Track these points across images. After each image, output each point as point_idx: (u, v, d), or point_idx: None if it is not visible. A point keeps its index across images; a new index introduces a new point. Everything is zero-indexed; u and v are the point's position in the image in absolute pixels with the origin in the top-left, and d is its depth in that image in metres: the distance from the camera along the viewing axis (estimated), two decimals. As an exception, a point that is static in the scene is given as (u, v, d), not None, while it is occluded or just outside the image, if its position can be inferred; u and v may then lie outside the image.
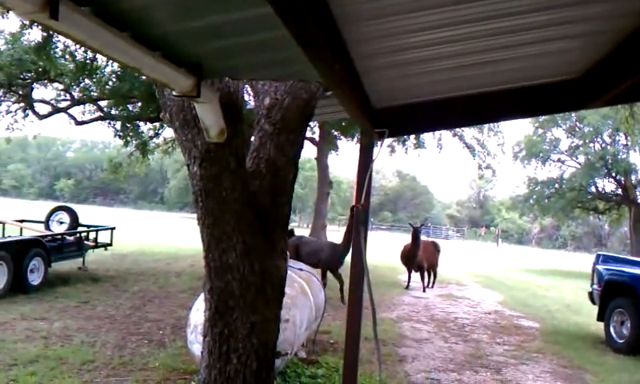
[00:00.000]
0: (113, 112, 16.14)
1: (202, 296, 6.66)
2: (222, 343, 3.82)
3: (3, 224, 14.38)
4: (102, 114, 16.65)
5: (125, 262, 16.81)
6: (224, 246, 3.72)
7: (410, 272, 15.84)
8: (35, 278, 11.18)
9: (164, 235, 31.27)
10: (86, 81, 13.81)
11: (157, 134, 18.05)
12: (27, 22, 11.97)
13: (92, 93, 14.60)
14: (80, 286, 12.06)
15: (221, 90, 3.52)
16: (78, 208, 15.72)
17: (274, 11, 1.94)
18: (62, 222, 14.15)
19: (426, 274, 15.88)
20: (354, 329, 4.42)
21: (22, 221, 14.95)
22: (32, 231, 13.88)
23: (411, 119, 4.84)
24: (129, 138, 15.86)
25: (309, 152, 27.77)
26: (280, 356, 5.76)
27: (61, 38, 12.16)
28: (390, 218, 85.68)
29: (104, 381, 6.24)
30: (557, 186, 33.34)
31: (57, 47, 12.30)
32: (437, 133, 18.29)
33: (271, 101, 4.09)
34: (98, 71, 13.10)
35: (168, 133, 18.11)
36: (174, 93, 3.13)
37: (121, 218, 30.49)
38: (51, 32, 11.69)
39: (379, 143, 4.63)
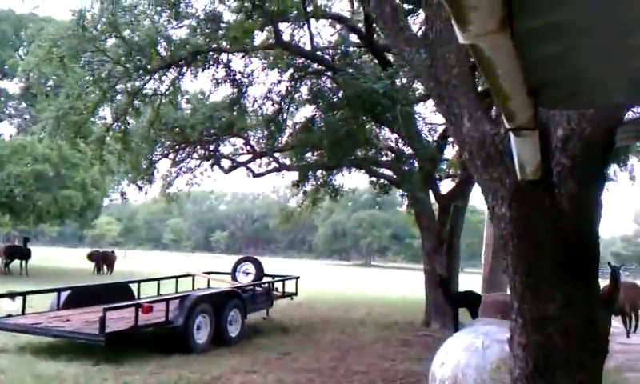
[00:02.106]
0: (288, 162, 16.61)
1: (442, 349, 6.32)
2: (544, 406, 3.38)
3: (193, 277, 14.94)
4: (277, 166, 17.12)
5: (302, 310, 16.87)
6: (541, 295, 3.32)
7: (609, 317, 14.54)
8: (233, 330, 11.34)
9: (323, 282, 31.33)
10: (267, 133, 14.24)
11: (326, 182, 18.13)
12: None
13: (276, 144, 14.99)
14: (274, 337, 12.11)
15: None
16: (233, 258, 16.03)
17: None
18: (248, 273, 14.41)
19: (627, 318, 14.56)
20: None
21: (209, 273, 15.46)
22: (222, 283, 14.27)
23: None
24: (305, 187, 16.20)
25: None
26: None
27: (250, 93, 12.69)
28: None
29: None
30: None
31: (246, 102, 12.80)
32: (629, 163, 16.91)
33: (565, 131, 3.66)
34: (284, 124, 13.50)
35: (339, 180, 18.23)
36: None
37: (275, 266, 31.04)
38: (242, 88, 12.19)
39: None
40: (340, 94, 12.38)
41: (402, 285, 33.83)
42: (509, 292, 11.72)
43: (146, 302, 10.01)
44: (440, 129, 15.17)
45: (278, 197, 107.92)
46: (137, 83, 11.18)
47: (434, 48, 3.89)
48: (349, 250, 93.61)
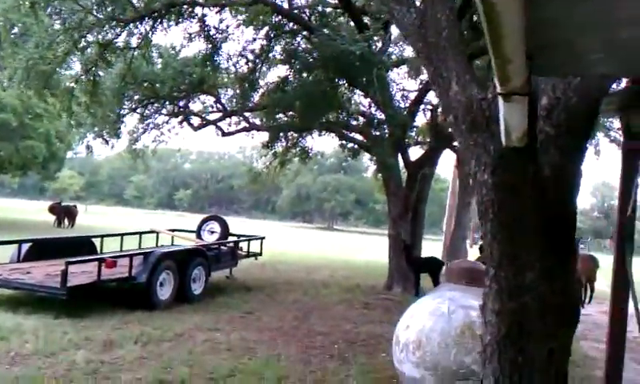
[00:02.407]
0: (258, 122, 16.42)
1: (408, 313, 6.34)
2: (514, 372, 3.40)
3: (157, 233, 14.76)
4: (247, 125, 16.91)
5: (266, 271, 16.88)
6: (520, 263, 3.30)
7: None
8: (197, 288, 11.28)
9: (287, 244, 31.34)
10: (240, 91, 13.99)
11: (295, 144, 18.00)
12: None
13: (248, 103, 14.74)
14: (237, 296, 12.09)
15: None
16: (196, 217, 15.92)
17: None
18: (213, 232, 14.30)
19: (582, 289, 14.95)
20: (617, 350, 3.93)
21: (173, 230, 15.29)
22: (186, 241, 14.14)
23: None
24: (275, 149, 16.05)
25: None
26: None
27: (224, 49, 12.40)
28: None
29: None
30: None
31: (220, 59, 12.54)
32: (596, 138, 17.15)
33: (550, 100, 3.63)
34: (257, 82, 13.29)
35: (308, 143, 18.09)
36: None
37: (239, 226, 30.72)
38: (216, 44, 11.92)
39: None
40: (315, 55, 12.18)
41: (364, 249, 34.14)
42: (469, 258, 11.83)
43: (110, 257, 9.85)
44: (412, 95, 15.16)
45: (244, 157, 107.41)
46: (109, 35, 10.80)
47: (424, 8, 3.81)
48: (312, 212, 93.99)
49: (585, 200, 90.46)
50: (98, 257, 10.06)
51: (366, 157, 18.90)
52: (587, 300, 15.34)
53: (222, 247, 13.14)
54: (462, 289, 6.62)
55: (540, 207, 3.34)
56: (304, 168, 69.31)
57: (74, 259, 9.25)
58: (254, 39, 13.26)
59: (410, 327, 5.96)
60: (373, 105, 13.79)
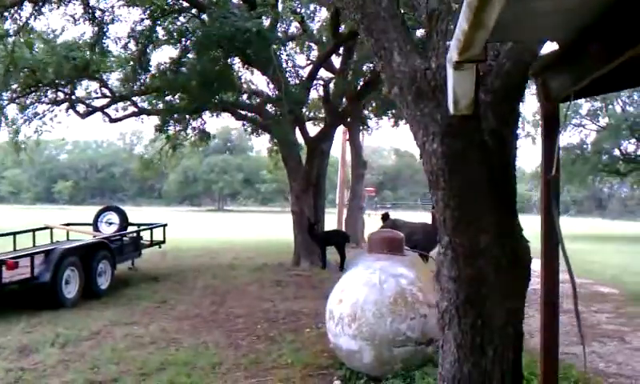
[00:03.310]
0: (147, 106, 15.83)
1: (338, 288, 6.39)
2: (475, 335, 3.49)
3: (51, 229, 13.95)
4: (135, 110, 16.25)
5: (168, 259, 16.53)
6: (474, 228, 3.38)
7: None
8: (103, 282, 10.88)
9: (181, 229, 30.67)
10: (130, 74, 13.35)
11: (187, 126, 17.54)
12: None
13: (138, 86, 14.08)
14: (145, 287, 11.77)
15: (474, 54, 3.17)
16: (79, 209, 15.28)
17: None
18: (111, 223, 13.71)
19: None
20: (551, 307, 4.15)
21: (68, 224, 14.53)
22: (84, 234, 13.46)
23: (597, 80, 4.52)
24: (169, 132, 15.53)
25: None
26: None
27: (112, 31, 11.77)
28: (390, 197, 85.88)
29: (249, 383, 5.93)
30: (578, 151, 33.25)
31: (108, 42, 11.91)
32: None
33: (482, 67, 3.72)
34: (147, 64, 12.74)
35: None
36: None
37: (129, 215, 29.44)
38: (102, 26, 11.32)
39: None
40: (206, 34, 11.79)
41: (259, 228, 34.15)
42: (366, 227, 12.00)
43: (10, 258, 9.22)
44: (306, 71, 15.15)
45: (124, 143, 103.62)
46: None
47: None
48: (200, 195, 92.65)
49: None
50: (-1, 259, 9.41)
51: (256, 135, 18.66)
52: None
53: (125, 238, 12.67)
54: (387, 258, 6.75)
55: (486, 172, 3.43)
56: (190, 151, 67.97)
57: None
58: (142, 19, 12.67)
59: (344, 301, 6.01)
60: (270, 83, 13.65)
